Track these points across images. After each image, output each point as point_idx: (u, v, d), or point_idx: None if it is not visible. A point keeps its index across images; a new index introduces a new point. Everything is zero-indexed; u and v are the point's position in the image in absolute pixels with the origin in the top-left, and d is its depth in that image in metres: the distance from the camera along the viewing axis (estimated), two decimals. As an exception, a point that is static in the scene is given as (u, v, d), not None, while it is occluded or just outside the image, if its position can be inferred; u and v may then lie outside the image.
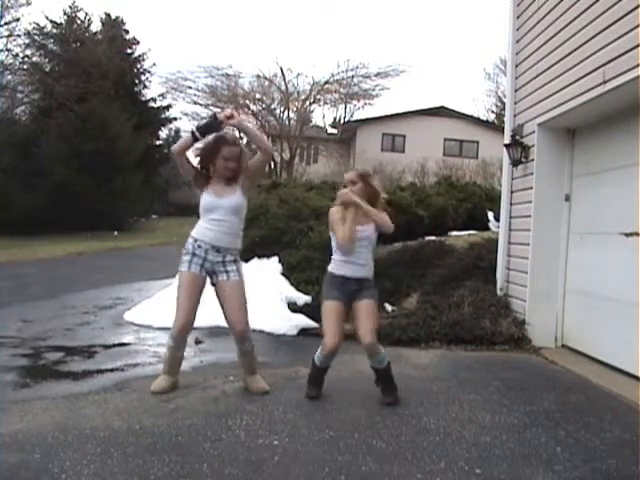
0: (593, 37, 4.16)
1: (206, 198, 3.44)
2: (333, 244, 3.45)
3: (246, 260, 5.88)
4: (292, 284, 5.98)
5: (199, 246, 3.41)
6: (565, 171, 5.11)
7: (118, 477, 2.33)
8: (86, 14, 27.84)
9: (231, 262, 3.44)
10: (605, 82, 3.96)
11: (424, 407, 3.33)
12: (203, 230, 3.43)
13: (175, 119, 30.74)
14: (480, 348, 4.91)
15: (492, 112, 33.98)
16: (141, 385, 3.58)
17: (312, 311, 5.63)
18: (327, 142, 27.40)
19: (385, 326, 4.93)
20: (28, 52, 24.64)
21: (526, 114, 5.40)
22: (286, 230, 6.47)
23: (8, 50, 23.49)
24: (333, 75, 25.80)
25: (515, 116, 5.69)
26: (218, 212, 3.40)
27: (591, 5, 4.21)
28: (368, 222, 3.38)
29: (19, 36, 23.58)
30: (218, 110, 19.58)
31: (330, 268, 3.46)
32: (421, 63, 52.56)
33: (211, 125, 3.46)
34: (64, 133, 22.01)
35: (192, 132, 3.43)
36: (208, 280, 3.48)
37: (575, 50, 4.44)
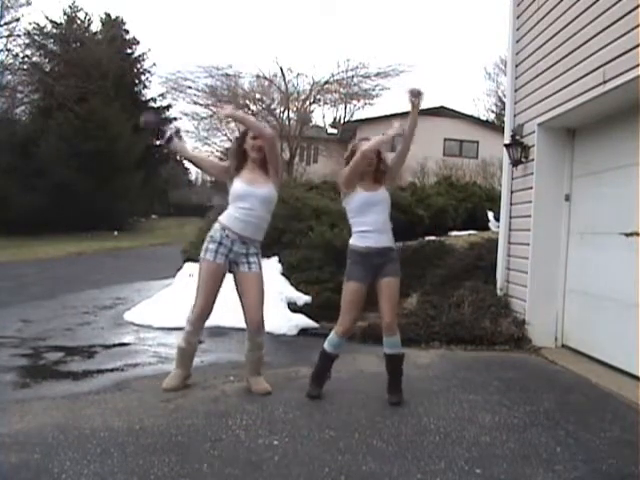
0: (593, 37, 4.16)
1: (238, 185, 3.45)
2: (349, 212, 3.45)
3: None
4: (292, 284, 5.98)
5: (227, 236, 3.42)
6: (565, 171, 5.11)
7: (118, 477, 2.33)
8: (86, 14, 27.90)
9: (254, 254, 3.47)
10: (605, 82, 3.96)
11: (424, 407, 3.32)
12: (233, 219, 3.42)
13: (175, 119, 30.74)
14: (480, 348, 4.91)
15: (492, 112, 33.99)
16: (141, 385, 3.59)
17: (312, 311, 5.64)
18: (327, 142, 27.38)
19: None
20: (28, 52, 24.68)
21: (526, 114, 5.40)
22: (286, 230, 6.47)
23: (8, 50, 23.53)
24: (333, 75, 25.78)
25: (515, 116, 5.69)
26: (250, 200, 3.41)
27: (591, 5, 4.20)
28: (379, 186, 3.43)
29: (19, 36, 23.61)
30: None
31: (352, 241, 3.44)
32: (421, 63, 52.56)
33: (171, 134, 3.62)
34: (64, 133, 22.03)
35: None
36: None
37: (575, 50, 4.44)
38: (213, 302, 3.47)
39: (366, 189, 3.41)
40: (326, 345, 3.46)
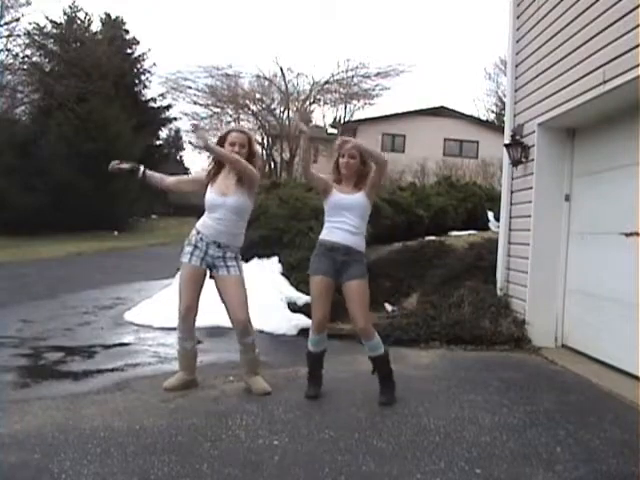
0: (593, 37, 4.16)
1: (209, 195, 3.47)
2: (325, 213, 3.50)
3: (246, 260, 5.87)
4: (292, 284, 5.98)
5: (201, 239, 3.44)
6: (565, 171, 5.11)
7: (118, 477, 2.33)
8: (86, 14, 27.84)
9: (232, 258, 3.47)
10: (605, 82, 3.96)
11: (424, 407, 3.32)
12: (207, 226, 3.46)
13: (175, 119, 30.76)
14: (480, 348, 4.91)
15: (492, 112, 33.96)
16: (141, 385, 3.59)
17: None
18: (327, 142, 27.38)
19: (385, 326, 4.94)
20: (28, 52, 24.65)
21: (526, 114, 5.40)
22: (286, 230, 6.46)
23: (8, 50, 23.49)
24: (333, 75, 25.79)
25: (515, 116, 5.69)
26: (220, 211, 3.42)
27: (591, 5, 4.21)
28: (356, 190, 3.41)
29: (19, 36, 23.57)
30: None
31: (320, 236, 3.47)
32: (421, 63, 52.56)
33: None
34: (64, 133, 22.02)
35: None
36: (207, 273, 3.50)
37: (575, 50, 4.44)
38: (195, 304, 3.46)
39: (341, 191, 3.42)
40: (309, 345, 3.48)
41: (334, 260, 3.34)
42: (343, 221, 3.36)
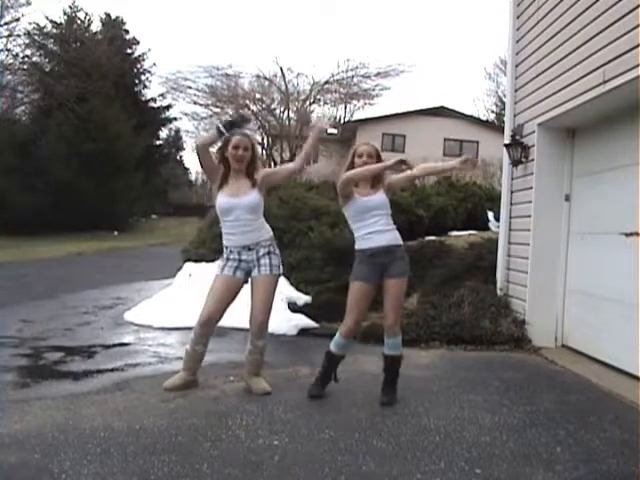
0: (593, 37, 4.16)
1: (220, 199, 3.47)
2: (349, 219, 3.47)
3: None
4: (292, 284, 5.98)
5: (231, 251, 3.48)
6: (565, 171, 5.11)
7: (118, 477, 2.33)
8: (86, 14, 27.90)
9: (264, 255, 3.48)
10: (605, 82, 3.96)
11: (424, 407, 3.32)
12: (228, 237, 3.49)
13: (175, 119, 30.82)
14: (480, 348, 4.91)
15: (492, 112, 33.98)
16: (141, 385, 3.59)
17: (312, 311, 5.64)
18: (327, 142, 27.39)
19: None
20: (28, 52, 24.71)
21: (526, 114, 5.40)
22: (286, 230, 6.46)
23: (8, 50, 23.53)
24: (333, 75, 25.77)
25: (515, 116, 5.69)
26: (234, 213, 3.42)
27: (591, 5, 4.20)
28: (375, 190, 3.42)
29: (19, 36, 23.62)
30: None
31: (356, 246, 3.45)
32: (421, 63, 52.59)
33: (235, 121, 3.49)
34: (64, 133, 22.05)
35: (217, 127, 3.42)
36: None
37: (575, 50, 4.44)
38: (219, 314, 3.46)
39: (363, 195, 3.41)
40: (331, 345, 3.47)
41: (375, 265, 3.34)
42: (375, 222, 3.37)
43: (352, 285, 3.40)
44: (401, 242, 3.46)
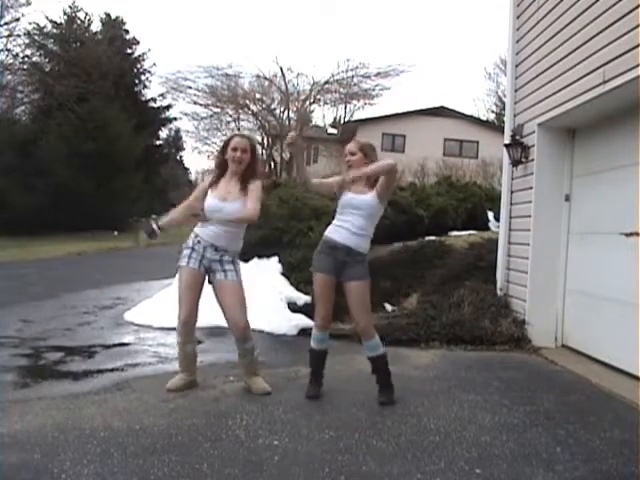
0: (593, 37, 4.16)
1: (209, 200, 3.46)
2: (337, 210, 3.48)
3: (246, 260, 5.88)
4: (292, 284, 5.98)
5: (199, 242, 3.44)
6: (565, 171, 5.11)
7: (118, 477, 2.33)
8: (86, 14, 27.89)
9: (229, 262, 3.45)
10: (605, 82, 3.96)
11: (424, 407, 3.33)
12: (205, 230, 3.45)
13: (175, 119, 30.79)
14: (480, 348, 4.91)
15: (492, 112, 33.96)
16: (141, 385, 3.59)
17: (312, 311, 5.63)
18: (327, 142, 27.38)
19: (385, 326, 4.92)
20: (28, 52, 24.69)
21: (526, 114, 5.40)
22: (286, 230, 6.46)
23: (8, 50, 23.51)
24: (333, 75, 25.77)
25: (515, 116, 5.69)
26: (219, 215, 3.41)
27: (591, 5, 4.20)
28: (368, 190, 3.40)
29: (19, 36, 23.60)
30: None
31: (325, 232, 3.47)
32: (421, 63, 52.57)
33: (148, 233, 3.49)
34: (64, 133, 22.03)
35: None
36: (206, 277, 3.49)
37: (575, 50, 4.44)
38: (195, 309, 3.45)
39: (353, 191, 3.41)
40: (311, 342, 3.49)
41: (335, 259, 3.34)
42: (348, 220, 3.36)
43: (314, 276, 3.43)
44: (365, 252, 3.41)
